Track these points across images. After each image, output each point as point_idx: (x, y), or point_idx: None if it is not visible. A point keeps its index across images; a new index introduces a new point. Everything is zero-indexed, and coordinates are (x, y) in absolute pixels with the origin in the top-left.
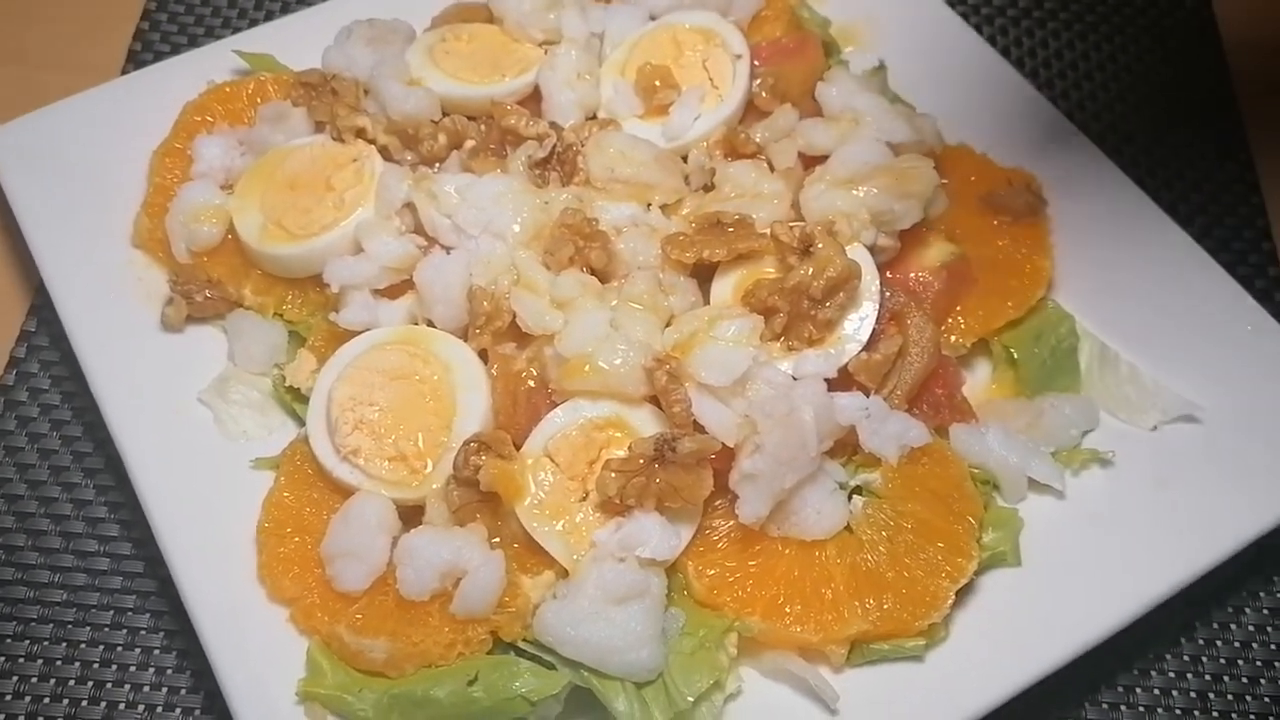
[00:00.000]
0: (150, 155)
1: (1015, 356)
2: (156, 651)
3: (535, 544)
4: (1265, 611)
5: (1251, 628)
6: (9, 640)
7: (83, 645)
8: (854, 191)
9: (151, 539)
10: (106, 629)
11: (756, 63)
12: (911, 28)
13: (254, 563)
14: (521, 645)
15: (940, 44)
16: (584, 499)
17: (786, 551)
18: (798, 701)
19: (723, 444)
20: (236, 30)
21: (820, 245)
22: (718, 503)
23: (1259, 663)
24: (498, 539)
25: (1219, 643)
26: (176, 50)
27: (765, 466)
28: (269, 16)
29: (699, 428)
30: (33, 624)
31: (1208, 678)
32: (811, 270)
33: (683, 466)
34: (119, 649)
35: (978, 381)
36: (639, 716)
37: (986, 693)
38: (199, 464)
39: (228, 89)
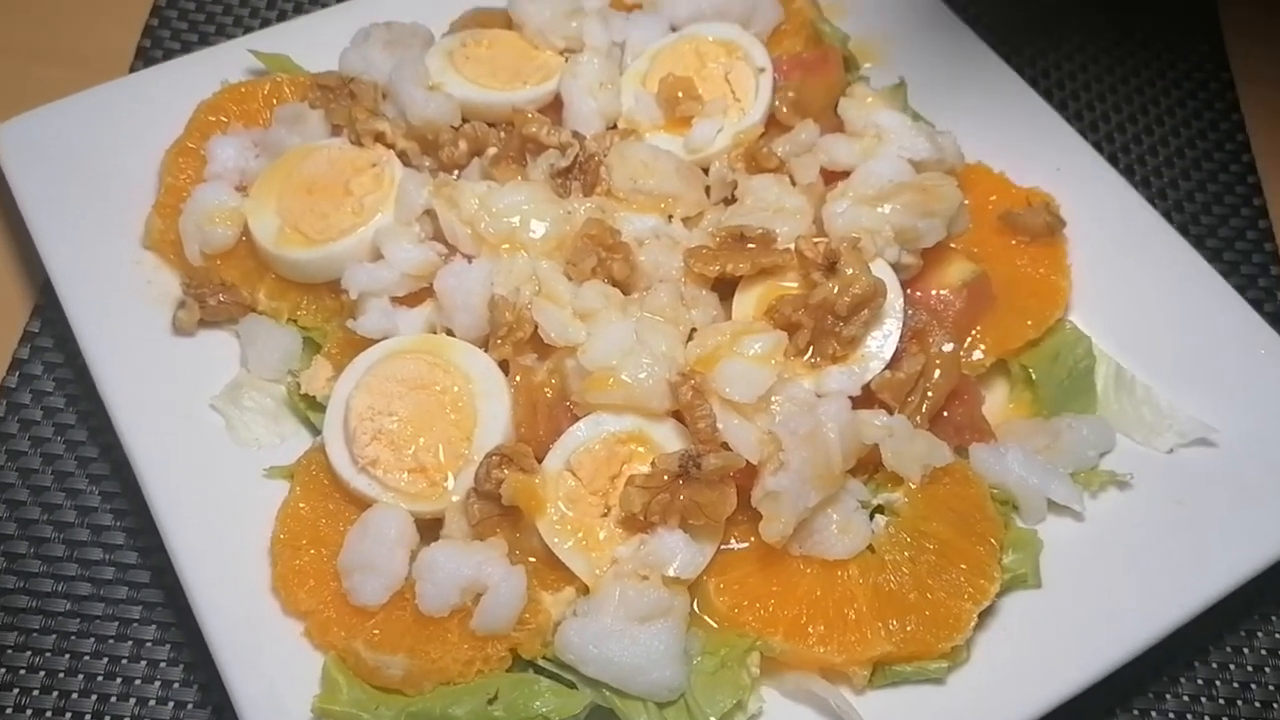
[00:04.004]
0: (162, 154)
1: (1034, 377)
2: (163, 664)
3: (555, 559)
4: (1278, 636)
5: (1264, 652)
6: (10, 651)
7: (86, 657)
8: (878, 208)
9: (158, 548)
10: (111, 640)
11: (777, 76)
12: (928, 44)
13: (267, 574)
14: (541, 663)
15: (956, 60)
16: (605, 514)
17: (809, 571)
18: None
19: (746, 461)
20: (248, 29)
21: (845, 262)
22: (739, 520)
23: (1271, 687)
24: (517, 553)
25: (1232, 666)
26: (187, 48)
27: (789, 484)
28: (282, 16)
29: (722, 444)
30: (35, 634)
31: (1222, 701)
32: (837, 287)
33: (707, 483)
34: (124, 661)
35: (996, 401)
36: None
37: (1008, 716)
38: (210, 471)
39: (243, 89)
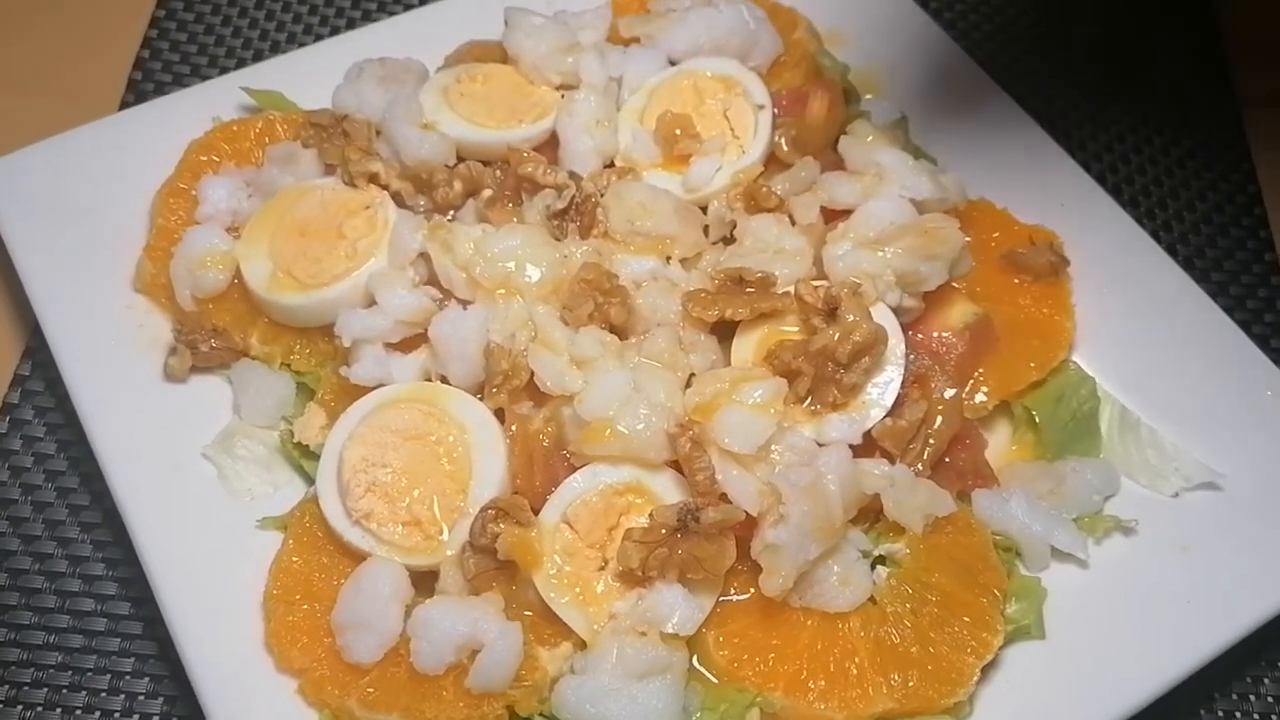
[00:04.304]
0: (153, 195)
1: (1037, 419)
2: (155, 719)
3: (552, 613)
4: None
5: (1270, 699)
6: (2, 706)
7: (78, 712)
8: (879, 252)
9: (150, 598)
10: (103, 694)
11: (776, 112)
12: (930, 75)
13: (260, 628)
14: None
15: (958, 91)
16: (603, 568)
17: (809, 623)
18: None
19: (746, 513)
20: (240, 60)
21: (846, 308)
22: (738, 570)
23: None
24: (513, 607)
25: (1238, 714)
26: (179, 79)
27: (789, 537)
28: (275, 47)
29: (721, 495)
30: (26, 689)
31: None
32: (837, 334)
33: (706, 536)
34: (116, 715)
35: (998, 443)
36: None
37: None
38: (202, 522)
39: (235, 127)
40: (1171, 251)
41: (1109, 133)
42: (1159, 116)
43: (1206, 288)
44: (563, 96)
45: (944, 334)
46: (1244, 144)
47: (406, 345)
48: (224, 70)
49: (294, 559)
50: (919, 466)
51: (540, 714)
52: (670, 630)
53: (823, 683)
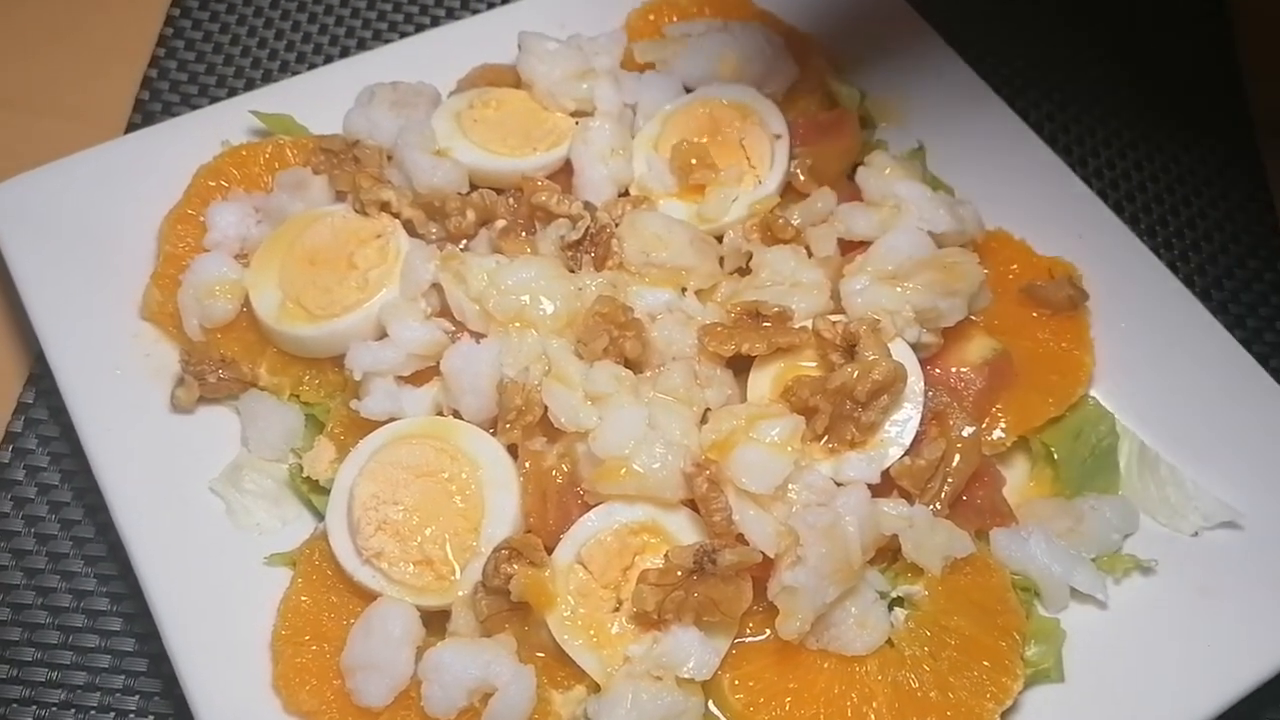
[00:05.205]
0: (161, 220)
1: (1055, 455)
2: None
3: (565, 655)
4: None
5: None
6: None
7: None
8: (898, 288)
9: (155, 634)
10: None
11: (792, 142)
12: (946, 102)
13: (268, 668)
14: None
15: (975, 119)
16: (617, 609)
17: (826, 666)
18: None
19: (763, 553)
20: (249, 81)
21: (864, 345)
22: (754, 610)
23: None
24: (526, 648)
25: None
26: (186, 100)
27: (807, 579)
28: (284, 67)
29: (738, 536)
30: None
31: None
32: (856, 372)
33: (722, 578)
34: None
35: (1016, 478)
36: None
37: None
38: (208, 557)
39: (244, 152)
40: (1189, 283)
41: (1125, 160)
42: (1175, 144)
43: (1223, 319)
44: (577, 123)
45: (962, 369)
46: (1261, 172)
47: (418, 378)
48: (233, 91)
49: (303, 598)
50: (937, 505)
51: None
52: (686, 674)
53: None
